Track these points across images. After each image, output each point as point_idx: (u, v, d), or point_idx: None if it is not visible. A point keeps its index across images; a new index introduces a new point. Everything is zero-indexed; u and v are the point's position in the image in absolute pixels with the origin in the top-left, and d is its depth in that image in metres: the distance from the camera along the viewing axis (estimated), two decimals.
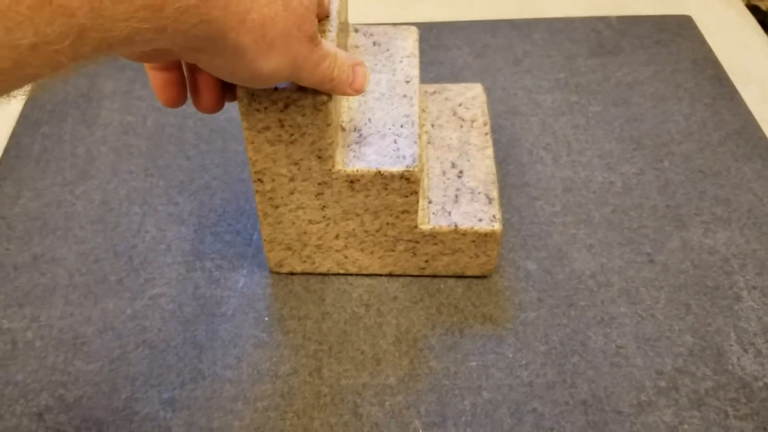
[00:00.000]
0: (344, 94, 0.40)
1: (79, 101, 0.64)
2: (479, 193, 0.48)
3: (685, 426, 0.43)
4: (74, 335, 0.47)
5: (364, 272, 0.50)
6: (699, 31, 0.71)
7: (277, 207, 0.46)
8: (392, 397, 0.44)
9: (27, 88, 0.26)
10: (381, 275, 0.50)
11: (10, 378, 0.45)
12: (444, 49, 0.69)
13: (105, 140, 0.60)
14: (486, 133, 0.52)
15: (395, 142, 0.44)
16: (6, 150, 0.59)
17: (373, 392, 0.44)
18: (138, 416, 0.43)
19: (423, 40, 0.69)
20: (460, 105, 0.54)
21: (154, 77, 0.38)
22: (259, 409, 0.44)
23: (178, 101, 0.39)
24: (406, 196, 0.45)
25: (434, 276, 0.50)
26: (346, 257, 0.49)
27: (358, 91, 0.40)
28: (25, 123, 0.62)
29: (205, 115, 0.61)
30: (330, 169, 0.43)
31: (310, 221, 0.47)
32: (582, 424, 0.43)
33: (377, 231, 0.47)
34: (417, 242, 0.48)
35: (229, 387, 0.45)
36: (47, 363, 0.46)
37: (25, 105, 0.63)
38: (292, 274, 0.50)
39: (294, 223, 0.47)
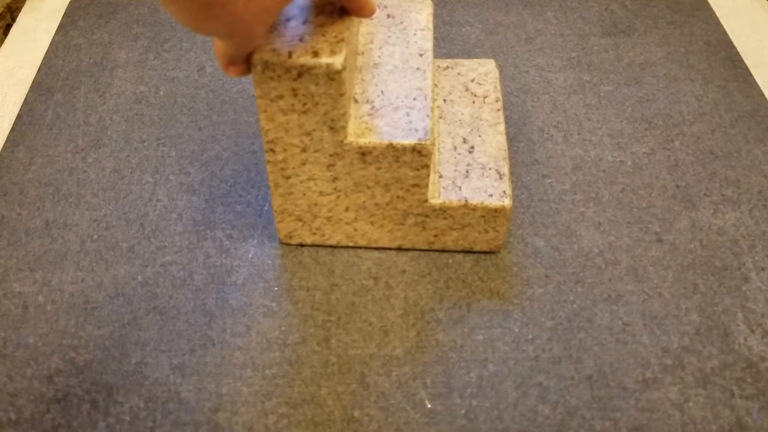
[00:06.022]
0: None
1: (92, 70, 0.64)
2: (490, 168, 0.48)
3: (690, 404, 0.43)
4: (85, 300, 0.48)
5: (373, 245, 0.50)
6: (713, 12, 0.70)
7: (288, 178, 0.46)
8: (399, 368, 0.45)
9: None
10: (390, 249, 0.51)
11: (21, 341, 0.46)
12: (456, 26, 0.69)
13: (117, 109, 0.60)
14: (498, 110, 0.52)
15: (408, 115, 0.44)
16: (19, 117, 0.60)
17: (380, 362, 0.45)
18: (148, 380, 0.44)
19: (435, 16, 0.69)
20: (472, 81, 0.54)
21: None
22: (267, 376, 0.44)
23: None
24: (418, 170, 0.45)
25: (443, 250, 0.50)
26: (355, 230, 0.49)
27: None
28: (38, 90, 0.62)
29: (216, 86, 0.62)
30: (342, 141, 0.43)
31: (320, 193, 0.47)
32: (587, 398, 0.43)
33: (387, 204, 0.47)
34: (427, 216, 0.48)
35: (239, 354, 0.45)
36: (58, 327, 0.47)
37: (39, 72, 0.63)
38: (301, 245, 0.51)
39: (305, 195, 0.47)
